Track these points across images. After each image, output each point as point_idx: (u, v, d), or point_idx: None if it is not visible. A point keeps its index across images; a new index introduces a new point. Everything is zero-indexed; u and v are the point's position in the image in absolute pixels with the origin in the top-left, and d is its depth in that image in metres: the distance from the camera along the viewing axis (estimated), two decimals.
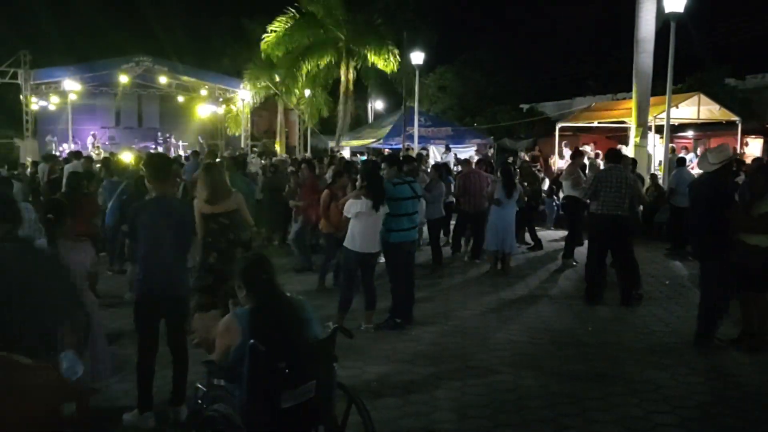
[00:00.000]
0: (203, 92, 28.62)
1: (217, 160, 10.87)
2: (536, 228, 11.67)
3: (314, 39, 25.94)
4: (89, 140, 25.04)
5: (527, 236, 11.45)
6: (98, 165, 11.96)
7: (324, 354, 3.23)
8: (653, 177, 13.07)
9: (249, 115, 29.47)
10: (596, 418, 4.54)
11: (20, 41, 23.14)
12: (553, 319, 7.06)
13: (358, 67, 26.61)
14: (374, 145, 23.31)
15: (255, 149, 27.65)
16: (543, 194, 14.19)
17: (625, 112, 16.90)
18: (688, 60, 20.73)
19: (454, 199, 10.65)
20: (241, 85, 27.37)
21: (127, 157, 14.45)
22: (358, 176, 6.79)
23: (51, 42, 26.84)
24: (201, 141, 27.51)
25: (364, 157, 18.03)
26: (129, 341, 5.31)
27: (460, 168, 13.40)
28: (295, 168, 12.30)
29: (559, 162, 17.86)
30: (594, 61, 31.94)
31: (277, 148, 29.28)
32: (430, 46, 23.67)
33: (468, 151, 19.75)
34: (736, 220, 5.79)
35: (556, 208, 13.73)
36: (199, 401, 3.41)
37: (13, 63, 22.07)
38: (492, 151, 22.29)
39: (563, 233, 11.11)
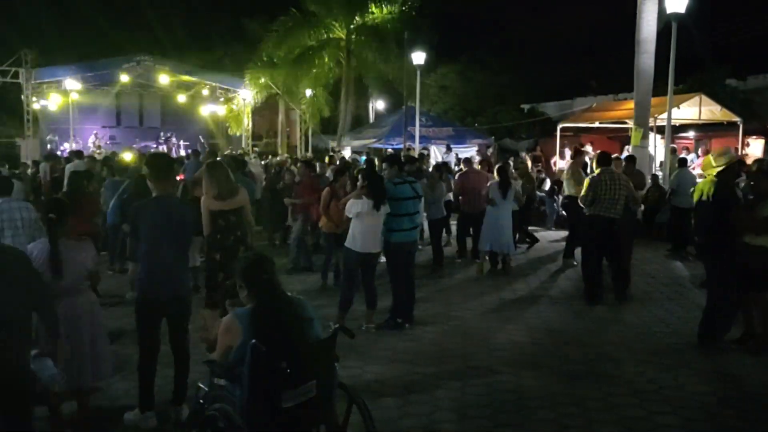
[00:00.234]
0: (204, 92, 28.60)
1: (217, 159, 10.84)
2: (536, 228, 11.65)
3: (315, 38, 25.94)
4: (91, 139, 25.04)
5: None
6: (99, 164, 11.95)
7: (325, 354, 3.23)
8: (654, 177, 13.05)
9: (250, 115, 29.46)
10: (597, 419, 4.54)
11: (21, 41, 23.08)
12: (554, 319, 7.06)
13: (359, 67, 26.60)
14: (375, 145, 23.28)
15: (256, 149, 27.64)
16: (542, 194, 14.20)
17: (626, 112, 16.84)
18: (689, 60, 20.69)
19: (452, 198, 10.65)
20: (242, 85, 27.36)
21: (128, 157, 14.45)
22: (359, 176, 6.80)
23: (52, 41, 26.83)
24: (202, 140, 27.52)
25: (365, 157, 18.00)
26: (130, 340, 5.32)
27: (462, 167, 13.39)
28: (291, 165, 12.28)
29: (560, 162, 17.86)
30: (595, 61, 31.87)
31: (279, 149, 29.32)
32: (432, 46, 23.63)
33: (469, 151, 19.71)
34: (741, 221, 5.78)
35: (556, 208, 13.73)
36: (201, 401, 3.42)
37: (15, 62, 22.02)
38: (492, 151, 22.26)
39: (563, 233, 11.11)
